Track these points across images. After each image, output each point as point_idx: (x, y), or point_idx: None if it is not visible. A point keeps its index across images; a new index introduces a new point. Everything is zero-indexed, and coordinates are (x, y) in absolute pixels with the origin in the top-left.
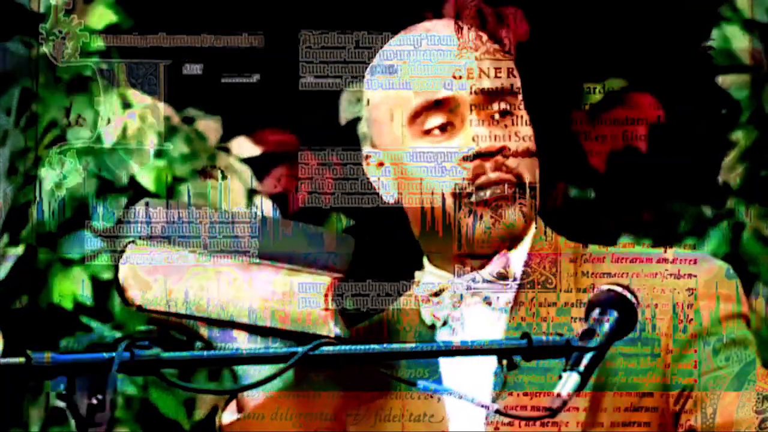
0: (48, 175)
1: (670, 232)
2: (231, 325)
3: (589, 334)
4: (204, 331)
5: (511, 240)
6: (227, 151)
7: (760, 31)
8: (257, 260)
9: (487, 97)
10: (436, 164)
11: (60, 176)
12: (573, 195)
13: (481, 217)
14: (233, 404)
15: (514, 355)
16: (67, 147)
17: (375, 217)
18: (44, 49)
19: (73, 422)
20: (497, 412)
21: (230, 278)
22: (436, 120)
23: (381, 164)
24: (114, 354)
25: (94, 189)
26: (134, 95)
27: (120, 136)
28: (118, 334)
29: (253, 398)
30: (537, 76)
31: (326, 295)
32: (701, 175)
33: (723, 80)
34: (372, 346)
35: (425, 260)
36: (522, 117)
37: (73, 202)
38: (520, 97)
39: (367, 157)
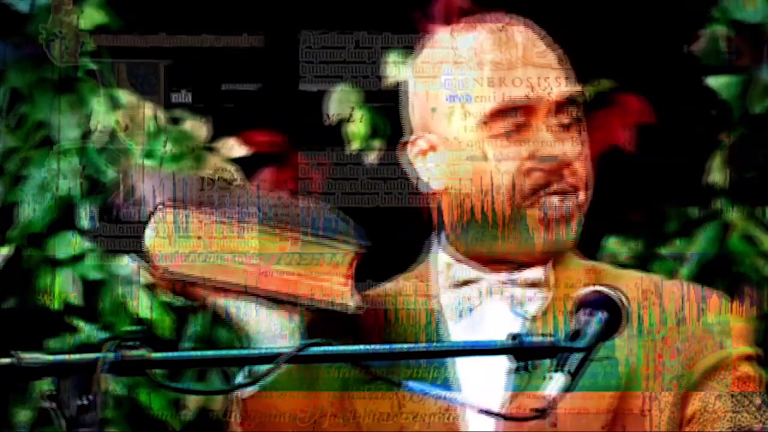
0: (36, 176)
1: (657, 233)
2: (246, 293)
3: (576, 335)
4: (215, 301)
5: (556, 253)
6: (215, 151)
7: (749, 31)
8: (279, 229)
9: (560, 105)
10: (504, 161)
11: (48, 176)
12: None
13: (545, 226)
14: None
15: (503, 354)
16: (56, 147)
17: (375, 217)
18: (42, 49)
19: (62, 423)
20: (486, 412)
21: (252, 245)
22: (509, 123)
23: (431, 149)
24: (102, 354)
25: (83, 189)
26: (124, 95)
27: (109, 135)
28: (105, 335)
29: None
30: None
31: (350, 265)
32: (689, 176)
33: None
34: (361, 346)
35: (446, 252)
36: (582, 129)
37: (62, 203)
38: (581, 109)
39: (410, 143)
